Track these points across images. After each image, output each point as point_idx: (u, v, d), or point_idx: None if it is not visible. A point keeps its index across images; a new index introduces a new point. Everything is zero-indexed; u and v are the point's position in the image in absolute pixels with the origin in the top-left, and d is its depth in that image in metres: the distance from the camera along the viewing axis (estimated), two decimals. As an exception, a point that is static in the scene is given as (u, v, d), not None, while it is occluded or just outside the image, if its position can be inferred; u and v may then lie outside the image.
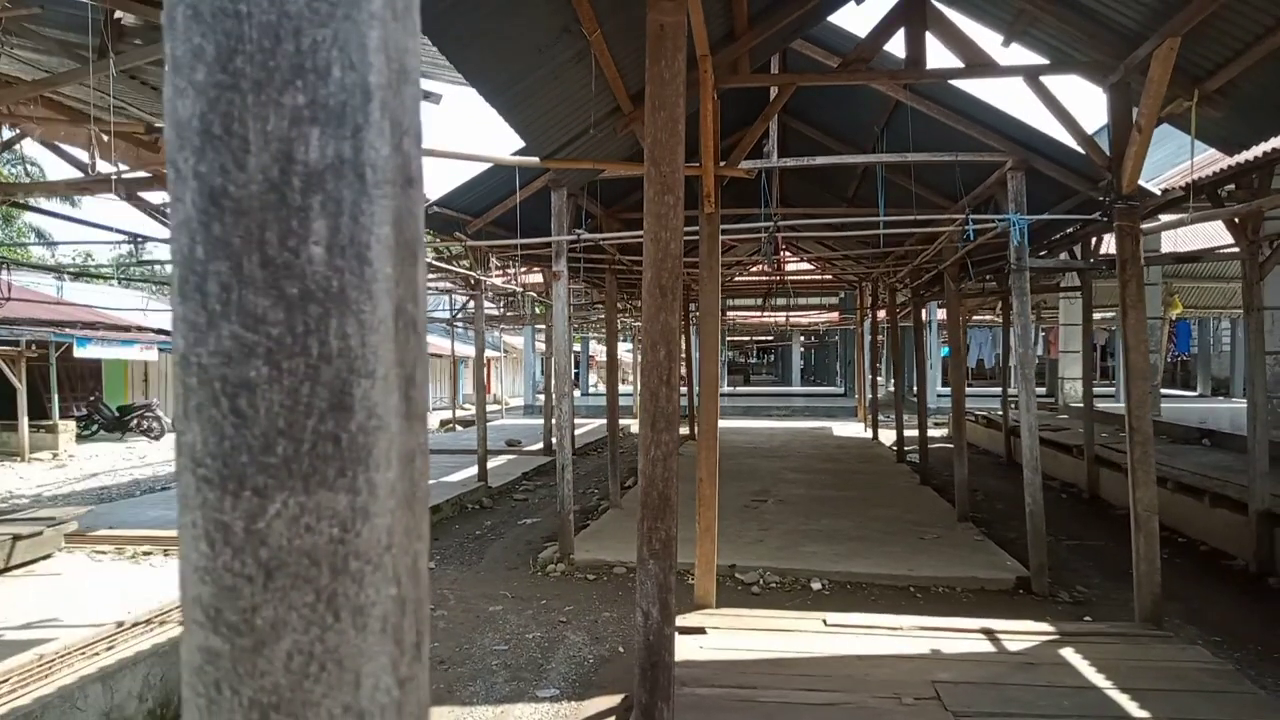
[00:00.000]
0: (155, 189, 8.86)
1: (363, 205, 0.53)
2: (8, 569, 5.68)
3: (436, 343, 34.31)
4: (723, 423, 22.40)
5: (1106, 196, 5.39)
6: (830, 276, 21.28)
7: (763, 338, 51.46)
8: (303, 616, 0.52)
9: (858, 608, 6.75)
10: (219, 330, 0.52)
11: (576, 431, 18.03)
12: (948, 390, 21.28)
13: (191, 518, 0.54)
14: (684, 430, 18.07)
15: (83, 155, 8.74)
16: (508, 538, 9.96)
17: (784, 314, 29.43)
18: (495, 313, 23.76)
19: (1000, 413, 17.32)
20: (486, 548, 9.44)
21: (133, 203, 8.87)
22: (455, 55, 3.87)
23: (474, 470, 13.67)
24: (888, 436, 19.16)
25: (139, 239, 8.55)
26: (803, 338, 45.56)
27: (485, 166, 8.09)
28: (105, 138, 7.79)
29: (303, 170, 0.52)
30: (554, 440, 16.78)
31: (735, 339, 46.13)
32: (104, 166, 8.86)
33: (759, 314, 28.54)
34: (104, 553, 6.13)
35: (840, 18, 7.21)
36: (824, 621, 5.59)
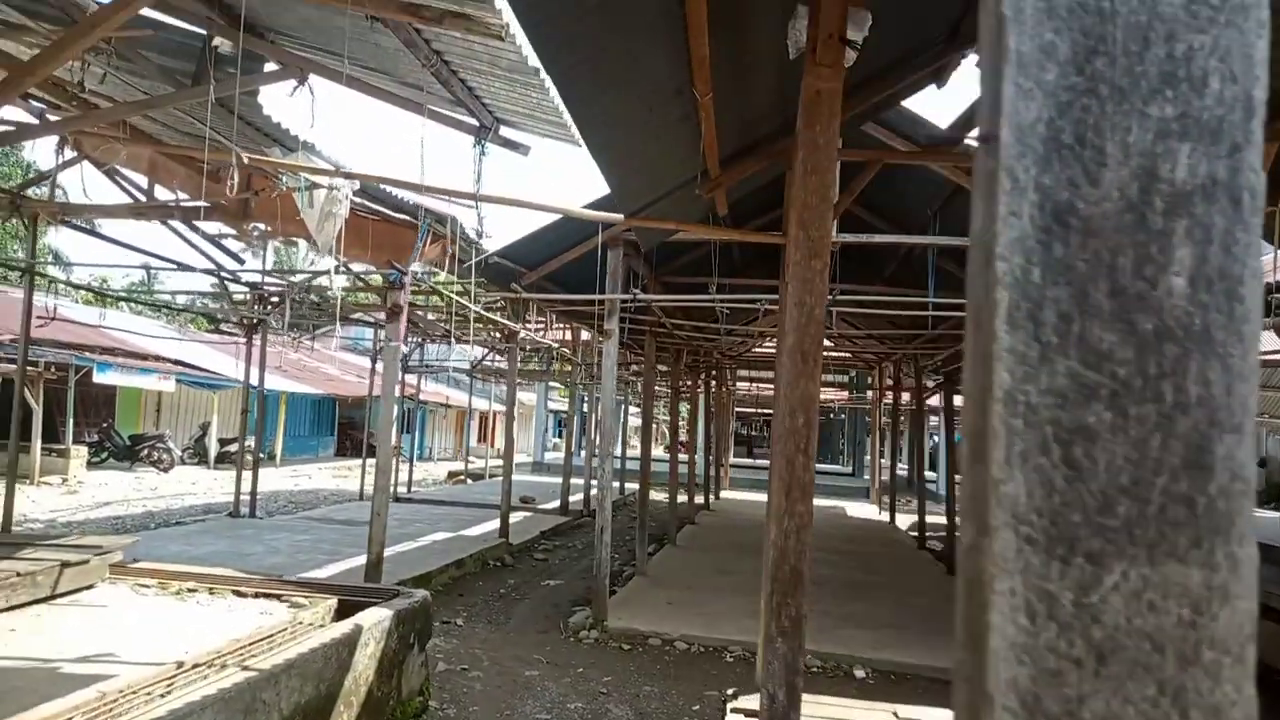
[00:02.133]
0: (213, 219, 8.92)
1: (1236, 234, 0.46)
2: (54, 596, 5.52)
3: (443, 392, 34.27)
4: (734, 495, 22.33)
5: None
6: (848, 354, 21.21)
7: (768, 411, 51.27)
8: (1141, 713, 0.44)
9: (911, 700, 6.52)
10: (1053, 366, 0.45)
11: (591, 492, 17.83)
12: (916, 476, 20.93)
13: (1010, 584, 0.46)
14: (699, 499, 17.84)
15: (141, 180, 8.83)
16: (533, 598, 9.73)
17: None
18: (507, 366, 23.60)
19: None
20: (513, 607, 9.21)
21: (193, 230, 8.91)
22: (578, 108, 3.88)
23: (492, 525, 13.46)
24: (902, 520, 18.92)
25: (225, 274, 8.56)
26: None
27: (547, 220, 8.13)
28: (173, 165, 7.86)
29: (1167, 190, 0.46)
30: (571, 500, 16.61)
31: (742, 410, 45.94)
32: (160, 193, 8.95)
33: (770, 387, 28.44)
34: (147, 586, 5.95)
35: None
36: (894, 715, 5.38)
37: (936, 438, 32.35)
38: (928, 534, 15.64)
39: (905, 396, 19.46)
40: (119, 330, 18.25)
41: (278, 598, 6.04)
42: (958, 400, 24.27)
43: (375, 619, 5.45)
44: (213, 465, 23.08)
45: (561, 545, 13.74)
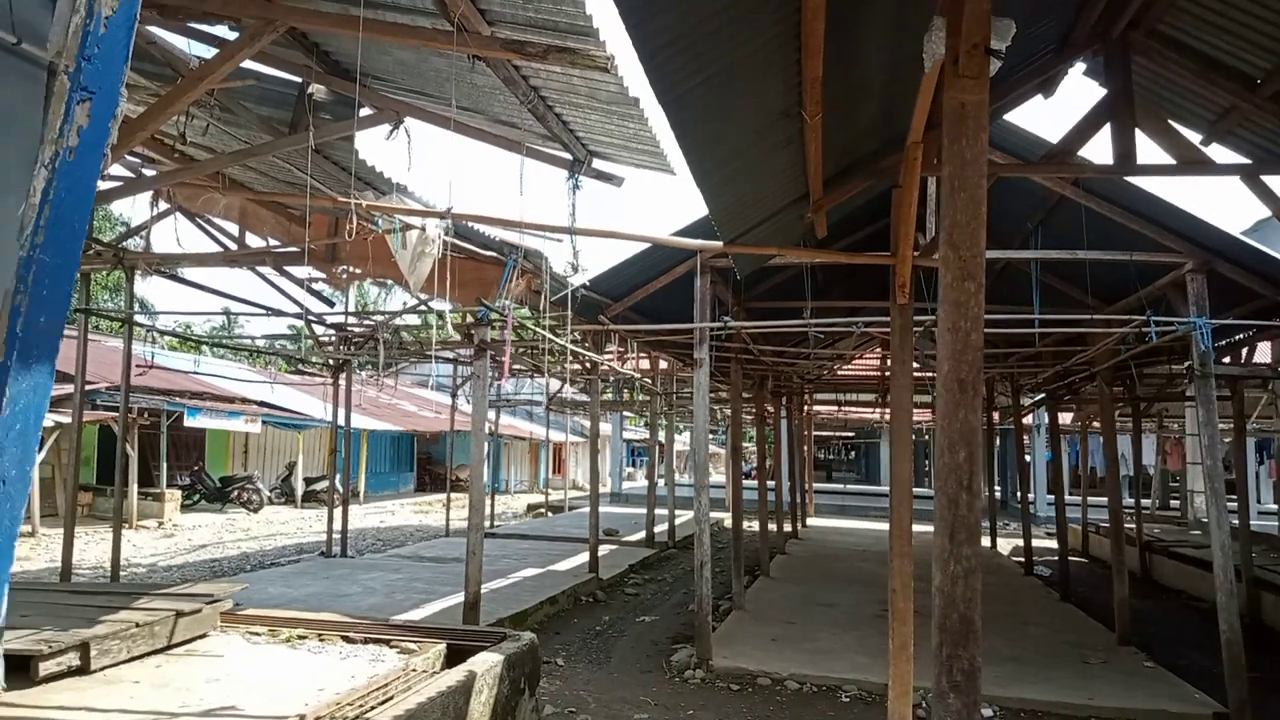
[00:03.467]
0: (300, 263, 9.06)
1: None
2: (170, 646, 5.54)
3: (516, 425, 34.47)
4: (820, 521, 21.83)
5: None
6: (932, 374, 20.63)
7: (845, 434, 50.32)
8: None
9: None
10: None
11: (676, 523, 17.59)
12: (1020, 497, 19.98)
13: None
14: (787, 525, 17.44)
15: (231, 228, 9.03)
16: (630, 636, 9.52)
17: (875, 410, 28.70)
18: (584, 398, 23.48)
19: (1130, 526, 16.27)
20: (611, 646, 9.02)
21: (283, 275, 9.07)
22: (687, 135, 3.73)
23: (579, 560, 13.33)
24: (1003, 544, 18.20)
25: (310, 316, 8.68)
26: (892, 435, 44.37)
27: (631, 251, 8.04)
28: (263, 212, 7.99)
29: None
30: (655, 531, 16.40)
31: (820, 434, 45.18)
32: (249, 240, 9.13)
33: (856, 409, 27.91)
34: (258, 634, 5.95)
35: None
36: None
37: (1029, 457, 31.19)
38: (1034, 558, 14.99)
39: (994, 415, 18.80)
40: (208, 375, 18.77)
41: (386, 643, 5.97)
42: (1064, 418, 23.35)
43: (487, 664, 5.33)
44: (300, 504, 23.54)
45: (651, 579, 13.52)
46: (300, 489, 23.82)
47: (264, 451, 25.68)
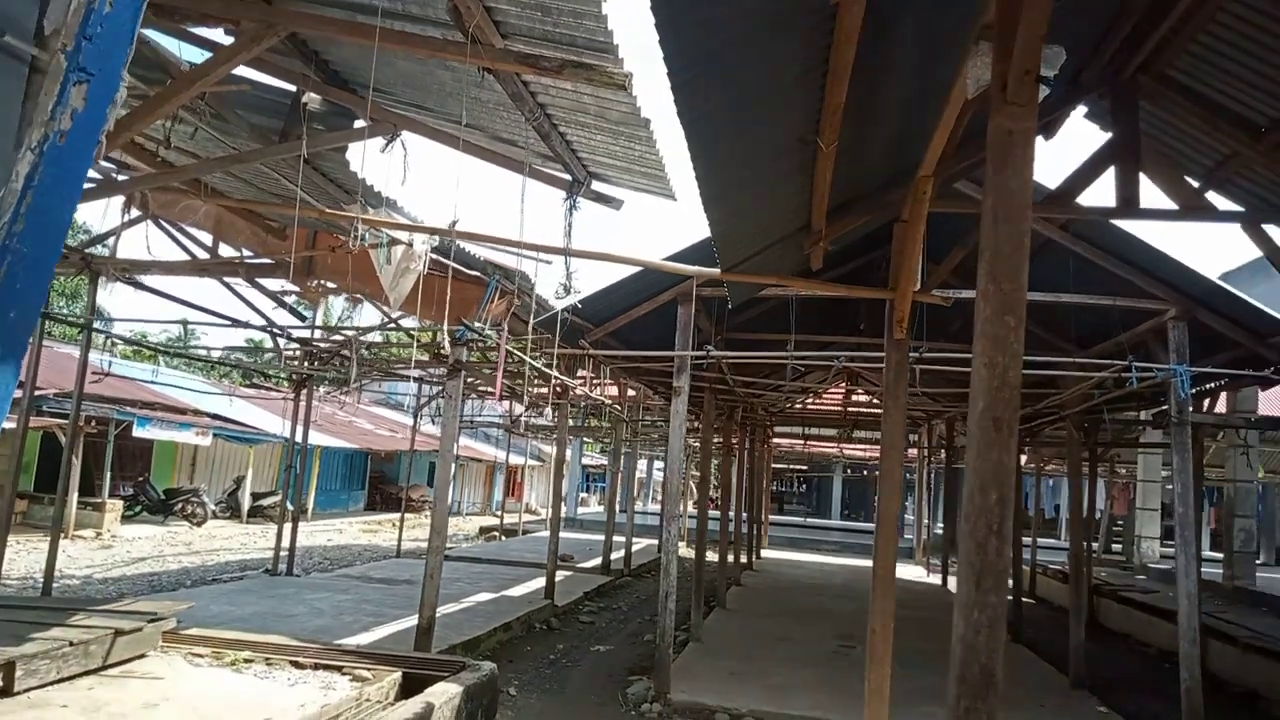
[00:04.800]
0: (276, 275, 8.81)
1: None
2: (105, 667, 5.23)
3: (473, 446, 34.02)
4: (774, 553, 21.73)
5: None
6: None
7: (799, 467, 50.52)
8: None
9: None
10: None
11: (628, 550, 17.38)
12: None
13: None
14: (735, 558, 17.34)
15: (204, 237, 8.76)
16: (584, 665, 9.32)
17: (835, 445, 28.91)
18: (543, 422, 23.17)
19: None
20: (565, 675, 8.81)
21: (255, 287, 8.81)
22: (704, 155, 3.65)
23: (534, 585, 13.10)
24: (952, 582, 18.27)
25: (274, 329, 8.43)
26: (847, 470, 44.70)
27: (619, 275, 7.96)
28: (238, 222, 7.76)
29: None
30: (612, 558, 16.18)
31: (775, 466, 45.32)
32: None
33: (819, 443, 28.04)
34: (201, 655, 5.66)
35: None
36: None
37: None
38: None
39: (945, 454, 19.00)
40: (163, 385, 18.18)
41: (338, 669, 5.74)
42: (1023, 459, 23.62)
43: (445, 696, 5.14)
44: (246, 520, 22.86)
45: (606, 607, 13.31)
46: (247, 504, 23.14)
47: (212, 464, 24.94)
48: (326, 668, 5.76)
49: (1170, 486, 25.43)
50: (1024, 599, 14.99)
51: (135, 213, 7.73)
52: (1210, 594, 14.21)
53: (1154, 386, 7.77)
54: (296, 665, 5.79)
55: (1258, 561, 24.14)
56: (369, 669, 5.72)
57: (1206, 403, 10.21)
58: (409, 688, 5.53)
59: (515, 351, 7.39)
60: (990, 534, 2.56)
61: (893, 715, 7.56)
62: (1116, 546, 24.54)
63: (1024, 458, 24.75)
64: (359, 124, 5.08)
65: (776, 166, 4.18)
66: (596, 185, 5.14)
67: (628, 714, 7.55)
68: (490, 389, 15.68)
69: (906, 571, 21.70)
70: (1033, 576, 18.41)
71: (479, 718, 5.57)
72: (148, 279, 9.95)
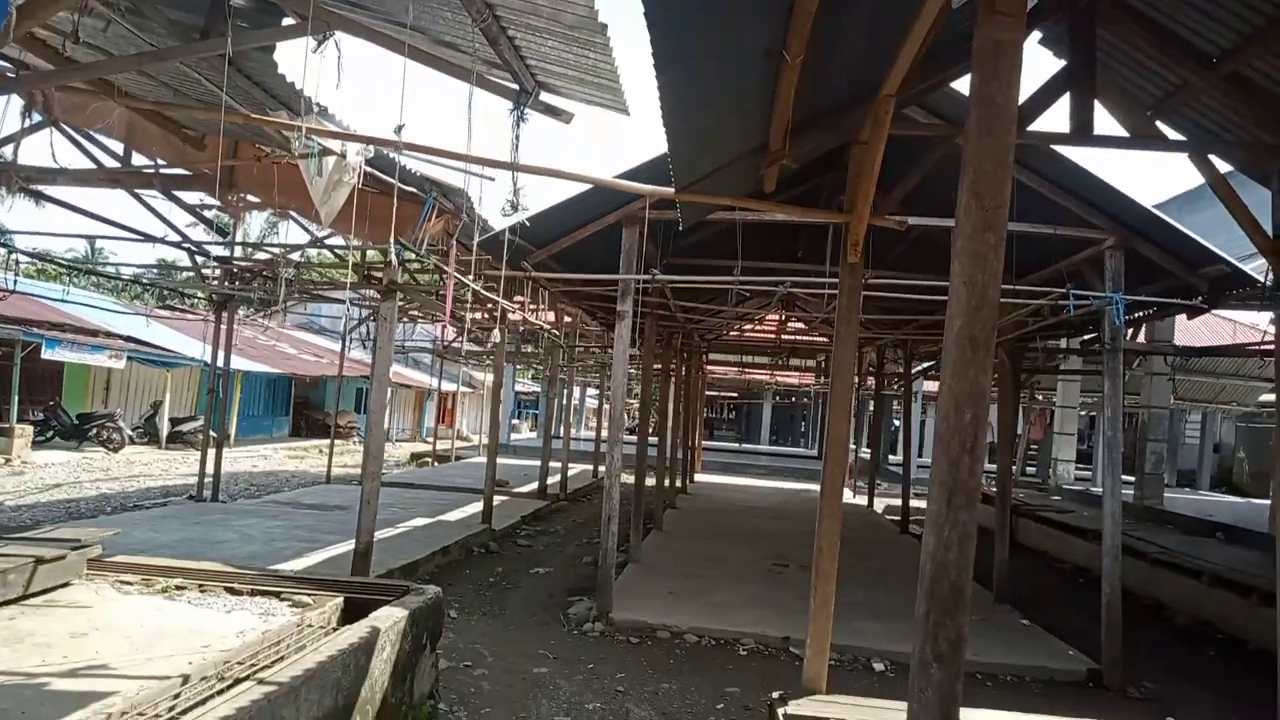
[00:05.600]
0: (194, 188, 8.30)
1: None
2: (26, 597, 4.98)
3: (403, 372, 33.50)
4: (706, 478, 22.11)
5: (1266, 283, 5.19)
6: (824, 338, 21.03)
7: (730, 394, 51.27)
8: None
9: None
10: None
11: (564, 475, 17.44)
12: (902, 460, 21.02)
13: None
14: (670, 481, 17.59)
15: (117, 146, 8.16)
16: (524, 588, 9.36)
17: (768, 373, 29.31)
18: (473, 348, 22.79)
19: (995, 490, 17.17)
20: (506, 598, 8.83)
21: (171, 200, 8.29)
22: (670, 64, 3.46)
23: (470, 510, 13.07)
24: (877, 503, 18.92)
25: (190, 245, 7.98)
26: (776, 397, 45.52)
27: (568, 195, 7.72)
28: (151, 128, 7.24)
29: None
30: (548, 483, 16.23)
31: (709, 393, 45.90)
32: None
33: (748, 370, 28.37)
34: (129, 583, 5.44)
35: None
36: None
37: (898, 423, 32.63)
38: (895, 516, 15.65)
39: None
40: (72, 304, 17.24)
41: (277, 595, 5.58)
42: (932, 386, 24.30)
43: (391, 620, 5.04)
44: (165, 445, 22.17)
45: (543, 531, 13.38)
46: (166, 429, 22.41)
47: (127, 389, 24.00)
48: (264, 594, 5.60)
49: (1084, 413, 26.61)
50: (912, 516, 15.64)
51: (37, 118, 7.13)
52: (1123, 514, 15.01)
53: (1087, 315, 7.95)
54: (232, 591, 5.61)
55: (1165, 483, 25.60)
56: (309, 594, 5.58)
57: (1130, 332, 10.57)
58: (351, 613, 5.42)
59: (456, 274, 7.14)
60: (964, 452, 2.55)
61: (834, 625, 7.82)
62: (1031, 469, 25.68)
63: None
64: (287, 21, 4.70)
65: (743, 80, 4.02)
66: (545, 96, 4.88)
67: (570, 633, 7.62)
68: (425, 311, 15.34)
69: (834, 494, 22.38)
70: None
71: (424, 641, 5.51)
72: (52, 190, 9.30)
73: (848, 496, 21.44)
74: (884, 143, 4.54)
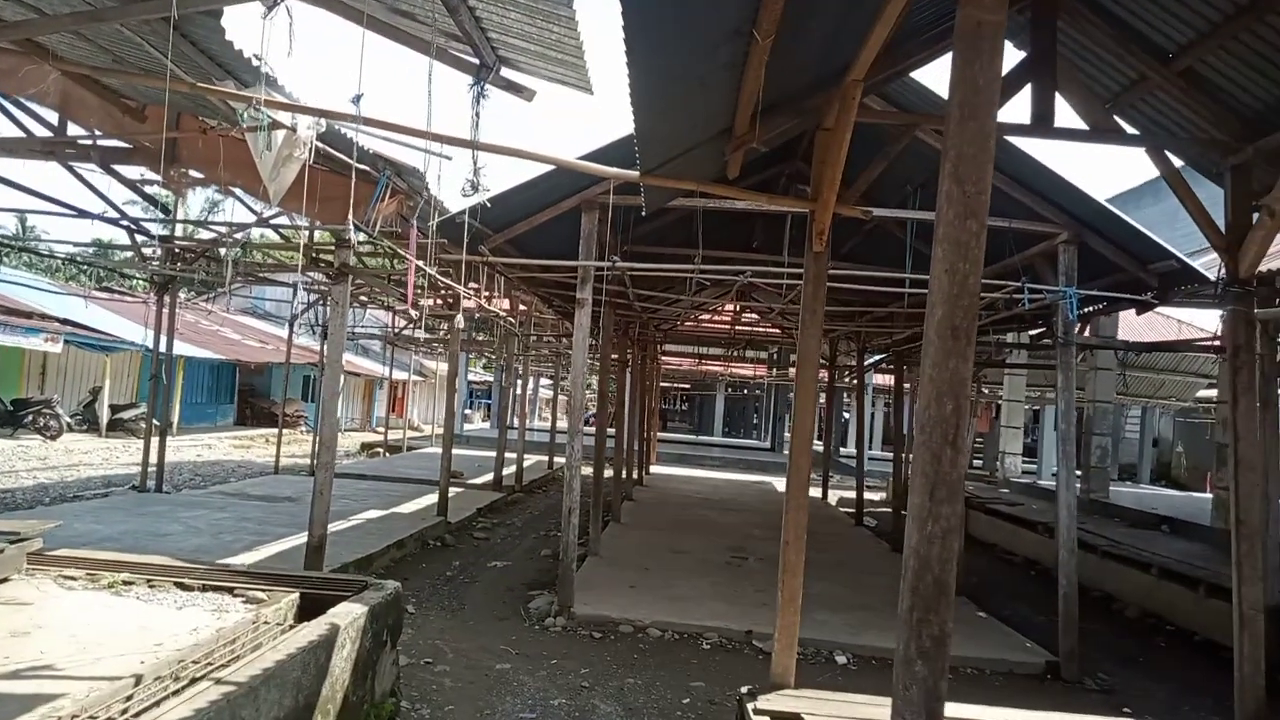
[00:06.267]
0: (134, 162, 7.94)
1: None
2: (-42, 594, 4.70)
3: (352, 360, 32.87)
4: (661, 469, 22.03)
5: (1220, 279, 5.23)
6: (777, 329, 21.06)
7: (683, 385, 51.38)
8: None
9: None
10: None
11: (519, 466, 17.23)
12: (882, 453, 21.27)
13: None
14: (626, 473, 17.48)
15: (51, 116, 7.76)
16: (482, 582, 9.17)
17: (721, 364, 29.36)
18: (422, 335, 22.33)
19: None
20: (464, 592, 8.64)
21: (109, 174, 7.91)
22: (641, 38, 3.32)
23: (424, 502, 12.81)
24: (831, 496, 19.04)
25: (128, 223, 7.63)
26: (729, 389, 45.69)
27: (525, 178, 7.51)
28: (88, 97, 6.89)
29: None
30: (503, 474, 16.01)
31: (663, 385, 45.91)
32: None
33: (706, 362, 28.37)
34: (73, 578, 5.16)
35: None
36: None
37: (848, 414, 32.99)
38: (849, 509, 15.75)
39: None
40: (6, 284, 16.52)
41: (229, 590, 5.34)
42: (881, 379, 24.62)
43: (350, 616, 4.85)
44: (105, 433, 21.42)
45: (500, 523, 13.17)
46: (106, 416, 21.65)
47: (64, 374, 23.14)
48: (216, 589, 5.36)
49: (1028, 407, 27.09)
50: (887, 509, 15.80)
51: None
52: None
53: (1038, 309, 7.99)
54: (182, 587, 5.35)
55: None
56: (263, 590, 5.35)
57: (1077, 327, 10.70)
58: (307, 609, 5.21)
59: (408, 256, 6.91)
60: (945, 444, 2.47)
61: (767, 620, 7.78)
62: (977, 462, 26.11)
63: (885, 377, 26.03)
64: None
65: (712, 59, 3.89)
66: (506, 72, 4.71)
67: (531, 628, 7.47)
68: (375, 296, 14.98)
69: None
70: (905, 489, 19.40)
71: (385, 638, 5.33)
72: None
73: (802, 487, 21.57)
74: (850, 129, 4.46)
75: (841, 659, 7.20)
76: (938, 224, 2.54)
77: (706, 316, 18.46)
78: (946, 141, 2.54)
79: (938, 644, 2.43)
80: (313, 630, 4.52)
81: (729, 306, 17.48)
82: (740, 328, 20.00)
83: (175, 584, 5.34)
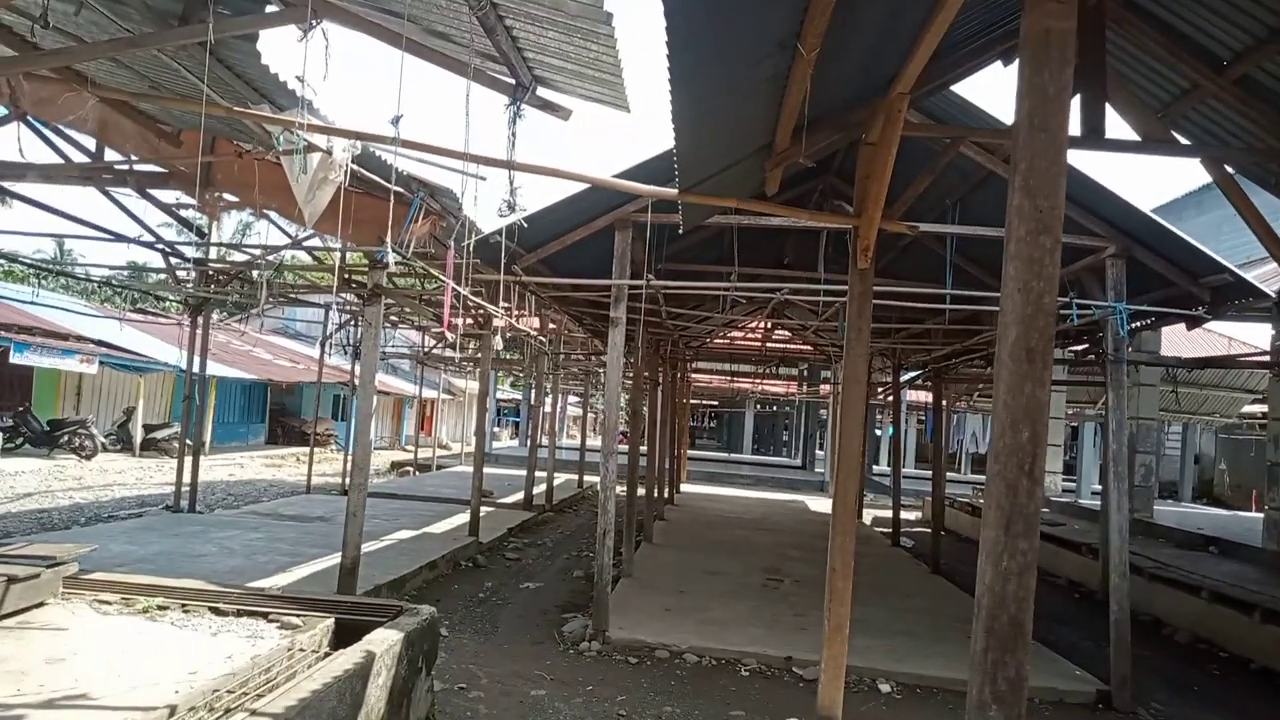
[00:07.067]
0: (170, 186, 7.99)
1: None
2: (-2, 618, 4.68)
3: (381, 379, 33.04)
4: (692, 488, 21.85)
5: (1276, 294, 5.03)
6: (809, 346, 20.83)
7: (711, 402, 51.13)
8: None
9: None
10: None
11: (549, 485, 17.14)
12: (916, 471, 20.88)
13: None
14: (658, 492, 17.32)
15: (88, 142, 7.84)
16: (516, 604, 9.07)
17: (752, 381, 29.16)
18: (451, 354, 22.37)
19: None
20: (497, 615, 8.54)
21: (145, 199, 7.96)
22: (684, 52, 3.24)
23: (456, 521, 12.75)
24: (865, 516, 18.73)
25: (163, 246, 7.67)
26: (758, 406, 45.39)
27: (559, 196, 7.47)
28: (125, 123, 6.94)
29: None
30: (534, 493, 15.92)
31: (692, 402, 45.74)
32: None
33: (738, 379, 28.20)
34: (108, 603, 5.13)
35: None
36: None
37: (879, 431, 32.61)
38: (885, 528, 15.46)
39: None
40: (41, 307, 16.75)
41: (264, 615, 5.29)
42: (914, 396, 24.21)
43: (386, 644, 4.77)
44: (138, 453, 21.64)
45: (531, 543, 13.07)
46: (139, 436, 21.88)
47: (99, 394, 23.44)
48: (251, 614, 5.31)
49: (1066, 424, 26.59)
50: (923, 530, 15.49)
51: (3, 110, 6.81)
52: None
53: (1085, 325, 7.78)
54: (217, 612, 5.31)
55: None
56: (298, 615, 5.29)
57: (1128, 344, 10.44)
58: (342, 635, 5.15)
59: (445, 279, 6.86)
60: (1022, 474, 2.33)
61: (803, 644, 7.58)
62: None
63: (922, 394, 25.66)
64: (271, 8, 4.44)
65: (755, 73, 3.80)
66: (542, 91, 4.65)
67: (566, 652, 7.35)
68: (405, 316, 15.01)
69: (822, 505, 22.19)
70: (941, 509, 19.06)
71: (420, 665, 5.24)
72: (19, 188, 8.92)
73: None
74: (896, 143, 4.34)
75: (885, 687, 7.00)
76: (1008, 240, 2.42)
77: (738, 334, 18.29)
78: (1015, 154, 2.42)
79: (1014, 687, 2.29)
80: (348, 659, 4.44)
81: (760, 324, 17.36)
82: (771, 345, 19.81)
83: (210, 609, 5.29)
